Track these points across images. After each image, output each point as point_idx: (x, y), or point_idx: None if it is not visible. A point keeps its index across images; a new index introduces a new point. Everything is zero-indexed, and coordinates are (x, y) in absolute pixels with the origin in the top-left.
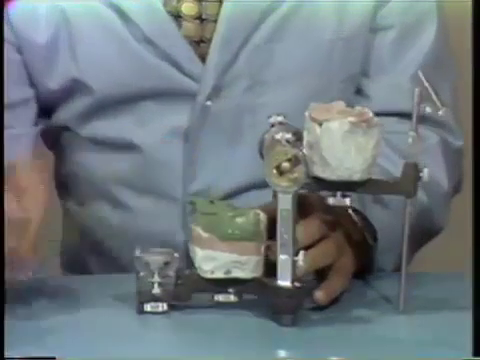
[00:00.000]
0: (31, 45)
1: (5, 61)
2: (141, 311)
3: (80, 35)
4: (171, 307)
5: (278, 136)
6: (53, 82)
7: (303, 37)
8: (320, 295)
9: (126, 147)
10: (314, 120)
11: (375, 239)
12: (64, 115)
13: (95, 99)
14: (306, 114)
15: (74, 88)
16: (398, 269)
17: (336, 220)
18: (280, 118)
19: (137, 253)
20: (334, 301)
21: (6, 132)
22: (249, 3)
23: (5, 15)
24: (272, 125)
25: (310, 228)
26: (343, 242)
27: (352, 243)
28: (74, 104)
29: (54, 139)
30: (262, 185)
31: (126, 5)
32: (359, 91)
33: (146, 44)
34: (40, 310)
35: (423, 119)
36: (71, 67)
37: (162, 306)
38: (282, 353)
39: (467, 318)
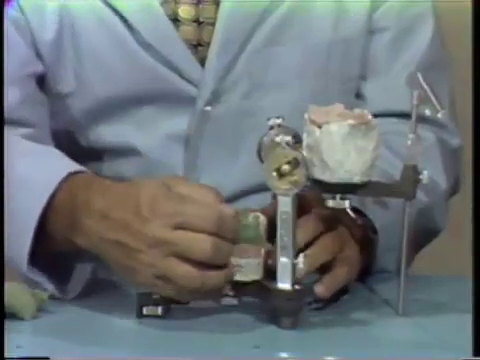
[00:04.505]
0: (41, 41)
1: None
2: (140, 314)
3: (83, 35)
4: (171, 310)
5: (278, 139)
6: (58, 81)
7: (301, 39)
8: (320, 289)
9: (126, 152)
10: (313, 122)
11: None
12: (64, 118)
13: (95, 102)
14: (305, 116)
15: (76, 89)
16: (400, 269)
17: (335, 216)
18: (279, 120)
19: None
20: (334, 299)
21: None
22: (247, 5)
23: (5, 15)
24: (271, 127)
25: (307, 225)
26: (346, 236)
27: (355, 239)
28: (74, 107)
29: (55, 144)
30: (263, 189)
31: (126, 9)
32: (356, 93)
33: (146, 48)
34: (40, 311)
35: (420, 120)
36: (74, 67)
37: (162, 309)
38: (282, 355)
39: (467, 321)
